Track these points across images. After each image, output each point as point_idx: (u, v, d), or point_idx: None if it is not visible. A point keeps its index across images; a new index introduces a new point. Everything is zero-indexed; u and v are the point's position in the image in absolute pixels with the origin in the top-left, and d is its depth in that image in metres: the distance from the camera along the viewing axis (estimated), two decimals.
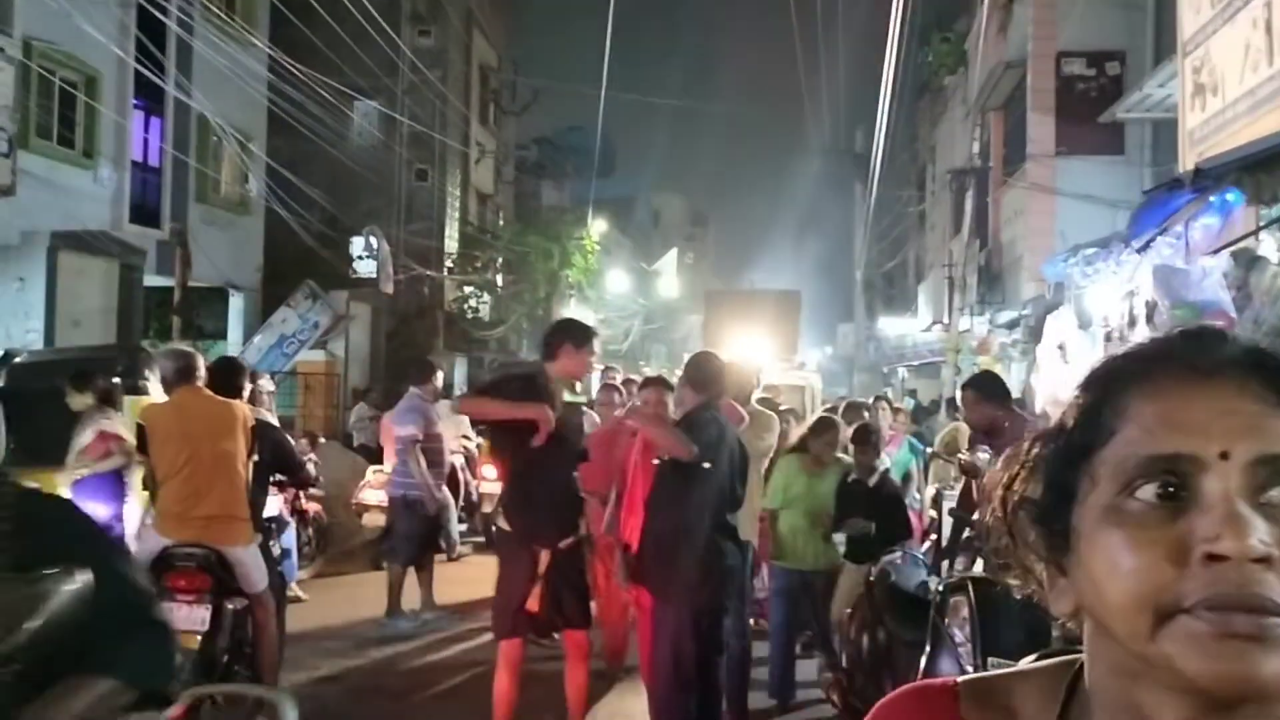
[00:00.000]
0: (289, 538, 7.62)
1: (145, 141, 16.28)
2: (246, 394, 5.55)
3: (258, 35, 17.68)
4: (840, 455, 6.39)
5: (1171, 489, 0.76)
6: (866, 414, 8.55)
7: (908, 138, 28.42)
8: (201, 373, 5.15)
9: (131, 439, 7.00)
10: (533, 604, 4.71)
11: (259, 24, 18.41)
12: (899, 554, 6.20)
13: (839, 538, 6.00)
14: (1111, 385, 0.82)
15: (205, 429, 4.99)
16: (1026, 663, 0.94)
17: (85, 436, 6.89)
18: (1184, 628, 0.73)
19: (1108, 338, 7.33)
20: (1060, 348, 8.30)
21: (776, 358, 13.79)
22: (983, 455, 4.92)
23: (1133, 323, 6.94)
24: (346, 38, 18.06)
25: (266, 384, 7.70)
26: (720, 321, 15.72)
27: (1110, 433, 0.80)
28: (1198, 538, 0.74)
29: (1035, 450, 0.86)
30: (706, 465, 4.65)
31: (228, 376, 5.42)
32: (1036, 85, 16.14)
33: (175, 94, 15.56)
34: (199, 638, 4.81)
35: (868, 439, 6.29)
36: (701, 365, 5.15)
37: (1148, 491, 0.76)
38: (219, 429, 5.01)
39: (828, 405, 11.33)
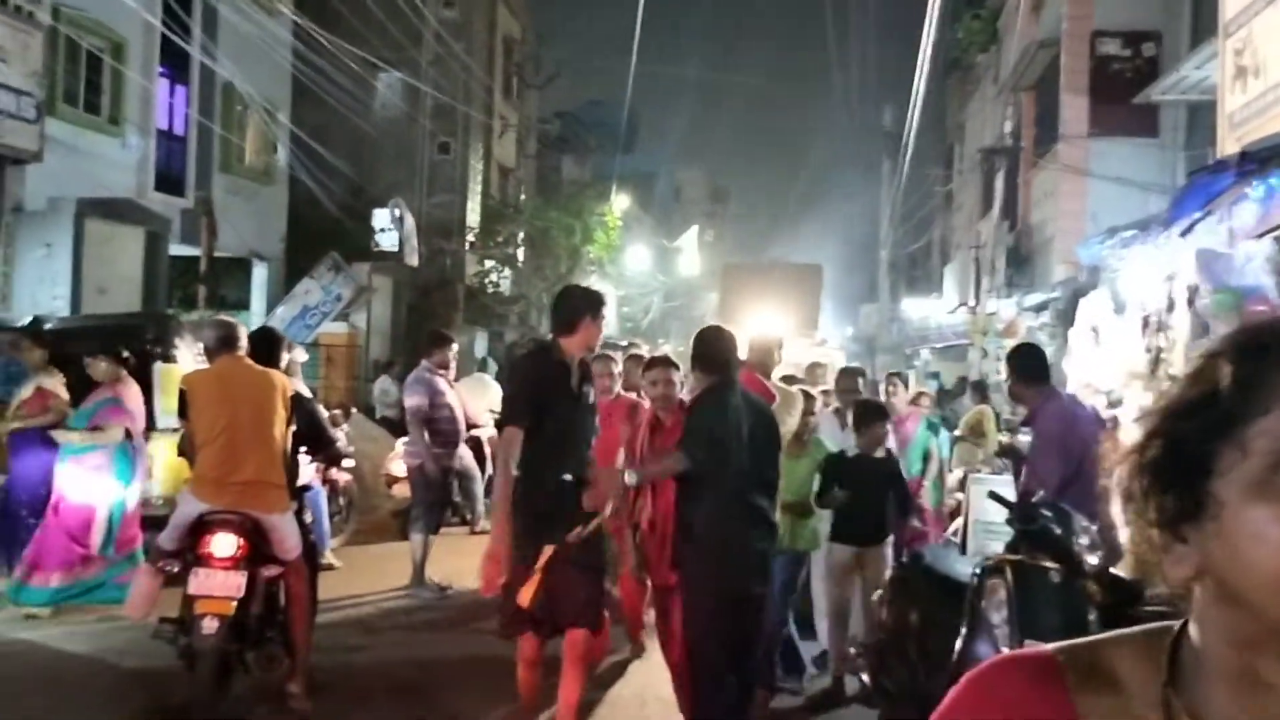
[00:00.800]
0: (320, 507, 7.72)
1: (170, 110, 16.28)
2: (284, 364, 5.54)
3: (283, 3, 17.61)
4: (821, 438, 6.25)
5: None
6: (861, 380, 8.32)
7: (935, 116, 28.11)
8: (244, 342, 5.17)
9: (65, 396, 7.33)
10: (523, 598, 4.29)
11: None
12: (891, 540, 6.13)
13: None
14: (1265, 358, 0.81)
15: (245, 396, 5.01)
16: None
17: (26, 391, 7.27)
18: None
19: (1145, 322, 7.24)
20: (1094, 331, 8.21)
21: (796, 334, 13.37)
22: (1023, 438, 4.86)
23: (1171, 307, 6.85)
24: (372, 6, 17.98)
25: (300, 355, 7.75)
26: (737, 296, 15.01)
27: (1263, 408, 0.79)
28: None
29: (1163, 419, 0.86)
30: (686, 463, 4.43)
31: (266, 346, 5.43)
32: (1070, 65, 15.93)
33: (201, 58, 15.53)
34: (234, 604, 4.83)
35: (877, 418, 6.13)
36: (710, 342, 4.76)
37: None
38: (259, 397, 5.03)
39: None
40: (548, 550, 4.28)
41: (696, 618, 4.57)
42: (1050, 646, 0.92)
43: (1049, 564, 4.30)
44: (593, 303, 4.69)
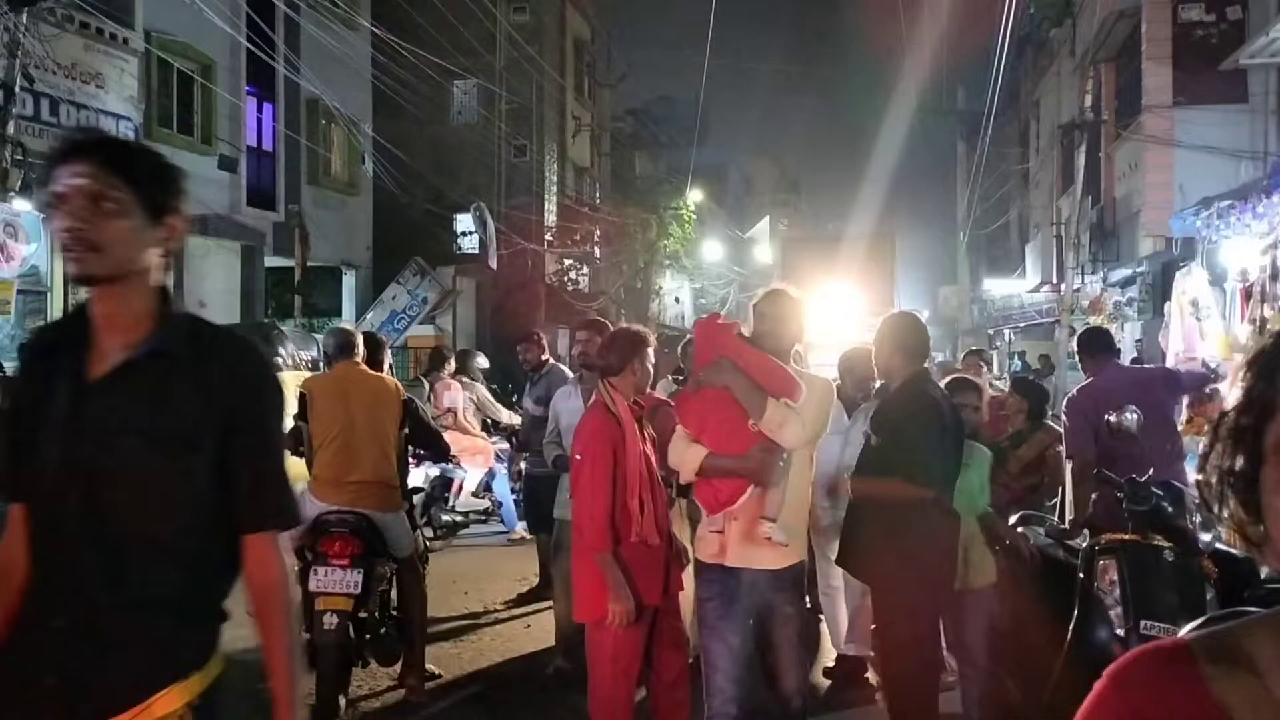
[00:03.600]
0: (504, 490, 8.57)
1: (259, 126, 16.78)
2: (385, 368, 5.75)
3: (361, 18, 18.04)
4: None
5: None
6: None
7: (1009, 95, 27.56)
8: (361, 349, 5.38)
9: None
10: None
11: (362, 7, 18.77)
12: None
13: None
14: None
15: (361, 400, 5.21)
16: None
17: None
18: None
19: (1247, 292, 7.09)
20: (1193, 304, 8.03)
21: (869, 313, 12.09)
22: (1130, 416, 4.81)
23: (1275, 276, 6.69)
24: (447, 14, 18.30)
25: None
26: (800, 274, 13.34)
27: None
28: None
29: (1244, 419, 0.86)
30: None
31: (370, 351, 5.63)
32: (1152, 34, 15.51)
33: (287, 73, 15.97)
34: (352, 600, 5.01)
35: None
36: (915, 328, 4.37)
37: None
38: (374, 400, 5.23)
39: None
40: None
41: (899, 632, 4.22)
42: (1183, 634, 0.92)
43: (1162, 543, 4.21)
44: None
